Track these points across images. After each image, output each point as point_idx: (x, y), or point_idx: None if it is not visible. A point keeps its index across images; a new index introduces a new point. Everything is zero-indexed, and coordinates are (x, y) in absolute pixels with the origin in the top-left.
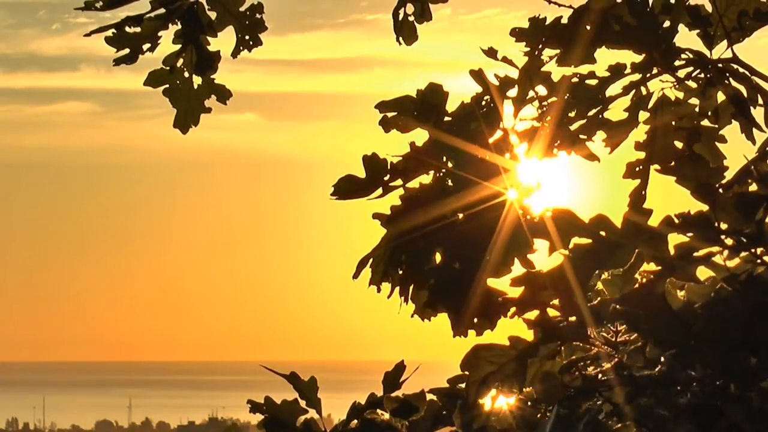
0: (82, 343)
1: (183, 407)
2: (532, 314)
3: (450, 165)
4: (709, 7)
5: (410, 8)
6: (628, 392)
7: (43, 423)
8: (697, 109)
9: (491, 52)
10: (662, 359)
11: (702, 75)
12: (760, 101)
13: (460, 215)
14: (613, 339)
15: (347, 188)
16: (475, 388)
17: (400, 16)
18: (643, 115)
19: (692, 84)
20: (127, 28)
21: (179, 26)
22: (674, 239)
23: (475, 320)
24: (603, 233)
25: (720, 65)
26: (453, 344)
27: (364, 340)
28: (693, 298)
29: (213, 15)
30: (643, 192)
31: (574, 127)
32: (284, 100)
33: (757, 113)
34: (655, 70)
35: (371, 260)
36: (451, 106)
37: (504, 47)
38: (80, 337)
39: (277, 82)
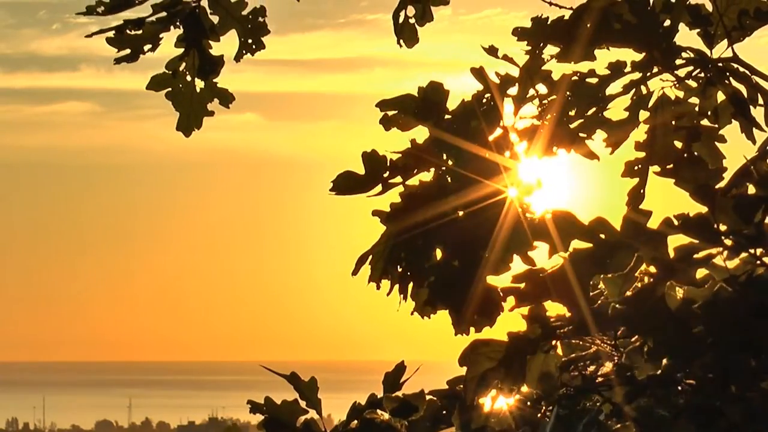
0: (82, 343)
1: (183, 407)
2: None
3: (450, 163)
4: (709, 7)
5: (411, 11)
6: (628, 392)
7: (43, 423)
8: (697, 109)
9: (492, 50)
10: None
11: (702, 74)
12: (760, 101)
13: (460, 213)
14: (612, 341)
15: (346, 184)
16: (474, 385)
17: (401, 19)
18: (643, 115)
19: (692, 83)
20: (128, 30)
21: (181, 30)
22: (674, 241)
23: (475, 317)
24: (603, 236)
25: (720, 64)
26: (453, 344)
27: (364, 340)
28: (693, 299)
29: (215, 19)
30: (642, 191)
31: (574, 125)
32: (285, 100)
33: (757, 113)
34: (655, 69)
35: (370, 257)
36: (452, 106)
37: (504, 47)
38: (80, 337)
39: (278, 82)
